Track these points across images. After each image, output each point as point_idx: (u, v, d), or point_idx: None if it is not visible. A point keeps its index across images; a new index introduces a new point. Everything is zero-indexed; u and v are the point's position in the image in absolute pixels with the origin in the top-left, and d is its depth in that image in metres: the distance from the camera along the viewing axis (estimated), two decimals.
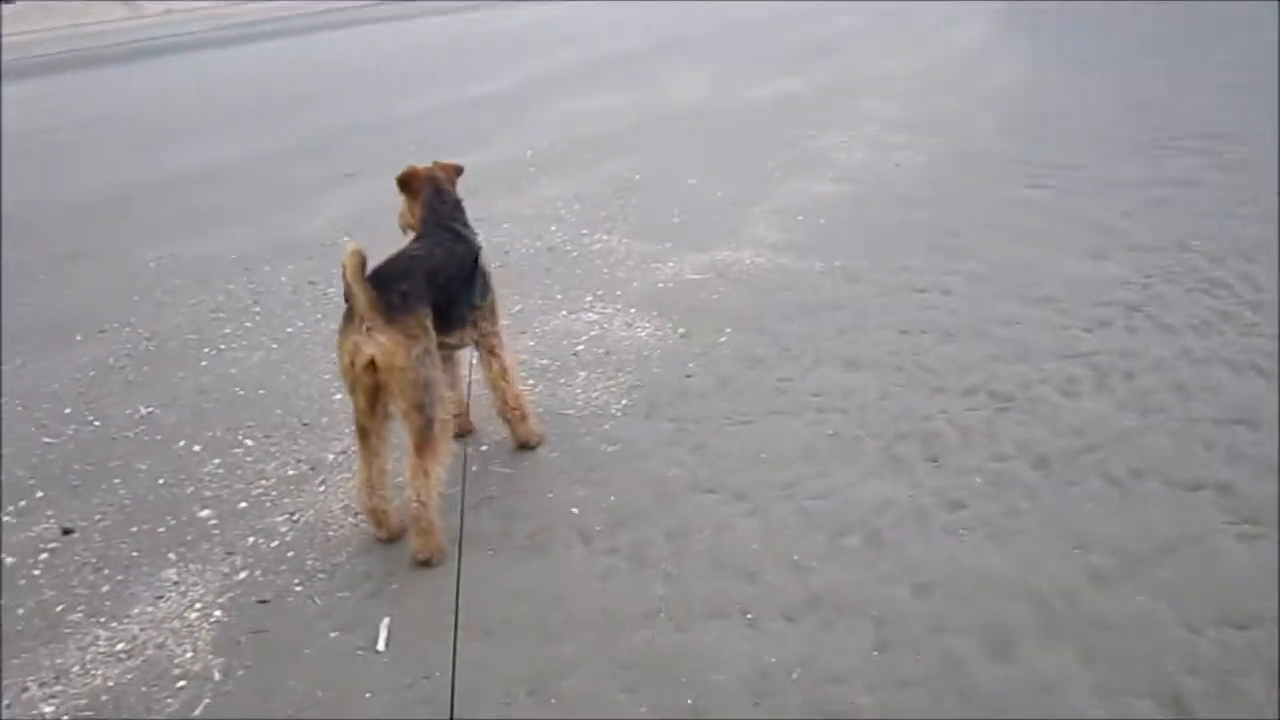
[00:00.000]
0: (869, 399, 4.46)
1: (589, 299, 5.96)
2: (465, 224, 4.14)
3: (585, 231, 7.23)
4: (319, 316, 6.13)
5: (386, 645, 3.27)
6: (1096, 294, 5.26)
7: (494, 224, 7.61)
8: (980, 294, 5.46)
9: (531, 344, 5.41)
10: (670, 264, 6.40)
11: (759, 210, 7.37)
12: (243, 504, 4.17)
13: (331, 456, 4.47)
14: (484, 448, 4.41)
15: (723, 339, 5.23)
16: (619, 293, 6.00)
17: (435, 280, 3.71)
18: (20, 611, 3.62)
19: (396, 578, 3.60)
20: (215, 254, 7.63)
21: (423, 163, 4.18)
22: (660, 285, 6.06)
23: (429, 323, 3.59)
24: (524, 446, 4.33)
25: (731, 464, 4.07)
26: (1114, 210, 6.46)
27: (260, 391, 5.18)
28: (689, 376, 4.86)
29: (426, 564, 3.63)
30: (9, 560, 3.93)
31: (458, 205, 4.18)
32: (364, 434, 3.67)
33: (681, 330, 5.39)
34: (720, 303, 5.71)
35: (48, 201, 10.05)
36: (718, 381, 4.77)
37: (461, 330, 4.01)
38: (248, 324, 6.16)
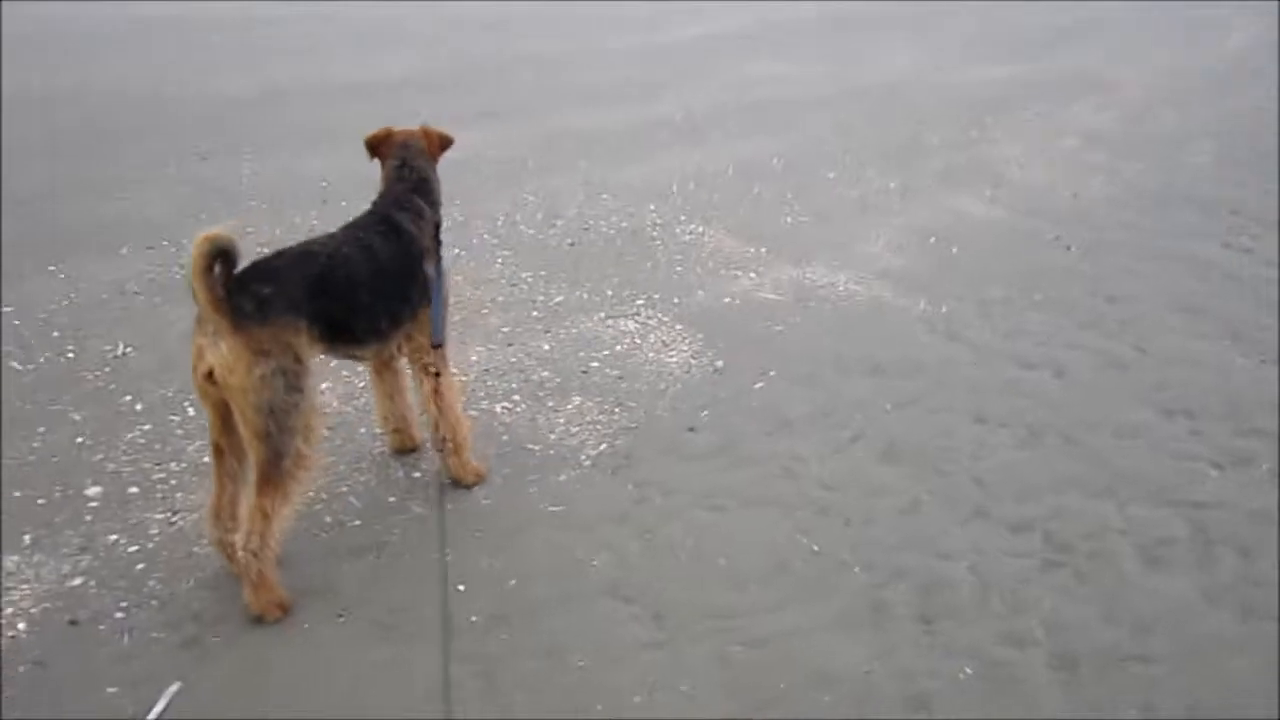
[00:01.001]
0: (886, 508, 3.50)
1: (640, 302, 5.15)
2: (420, 211, 3.43)
3: (683, 218, 6.39)
4: None
5: None
6: (1250, 415, 4.04)
7: (593, 194, 6.87)
8: (1100, 385, 4.32)
9: (546, 349, 4.67)
10: (751, 275, 5.49)
11: (888, 223, 6.31)
12: (134, 488, 3.67)
13: None
14: (416, 474, 3.73)
15: (760, 384, 4.34)
16: (676, 300, 5.16)
17: (327, 285, 3.04)
18: None
19: (225, 627, 2.99)
20: (305, 176, 7.24)
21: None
22: (726, 300, 5.18)
23: (297, 337, 2.92)
24: (456, 483, 3.63)
25: (672, 566, 3.24)
26: None
27: None
28: (692, 430, 4.01)
29: (260, 620, 3.01)
30: None
31: (420, 185, 3.48)
32: (218, 452, 3.07)
33: (719, 364, 4.53)
34: (780, 336, 4.79)
35: (200, 94, 10.01)
36: (721, 442, 3.91)
37: (381, 343, 3.34)
38: None
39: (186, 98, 9.87)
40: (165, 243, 5.99)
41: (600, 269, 5.59)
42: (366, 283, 3.16)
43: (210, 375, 2.84)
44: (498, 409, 4.17)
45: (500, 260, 5.69)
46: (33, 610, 3.08)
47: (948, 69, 11.14)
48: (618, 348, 4.68)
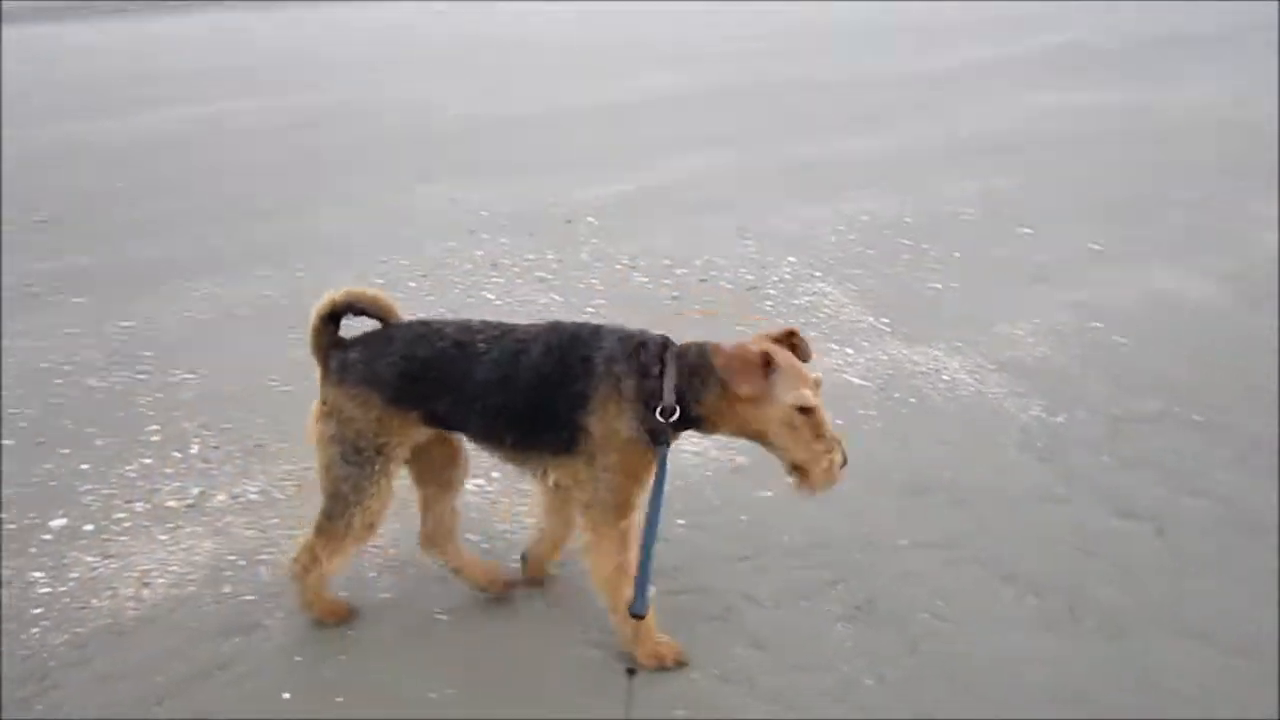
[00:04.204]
0: (811, 687, 2.79)
1: None
2: (646, 371, 2.62)
3: (816, 274, 5.70)
4: (447, 309, 5.41)
5: None
6: None
7: (739, 239, 6.32)
8: (1212, 555, 3.29)
9: None
10: (849, 351, 4.77)
11: (1056, 297, 5.28)
12: (91, 525, 3.68)
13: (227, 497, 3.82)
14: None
15: (767, 494, 3.69)
16: None
17: (429, 372, 2.73)
18: None
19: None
20: (474, 205, 7.22)
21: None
22: None
23: (367, 411, 2.74)
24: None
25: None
26: None
27: (289, 387, 4.64)
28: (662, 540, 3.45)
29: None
30: None
31: (684, 363, 2.64)
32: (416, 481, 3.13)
33: (741, 460, 3.92)
34: None
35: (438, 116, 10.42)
36: (677, 562, 3.33)
37: (505, 454, 2.85)
38: (398, 294, 5.62)
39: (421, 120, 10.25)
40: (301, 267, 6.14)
41: (685, 329, 5.04)
42: (481, 387, 2.70)
43: None
44: (472, 485, 3.82)
45: (590, 310, 5.32)
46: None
47: (1267, 101, 9.37)
48: None
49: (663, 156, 8.29)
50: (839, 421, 4.11)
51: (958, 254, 5.91)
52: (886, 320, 5.06)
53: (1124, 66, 11.57)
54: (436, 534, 3.11)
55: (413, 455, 2.93)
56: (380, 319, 2.84)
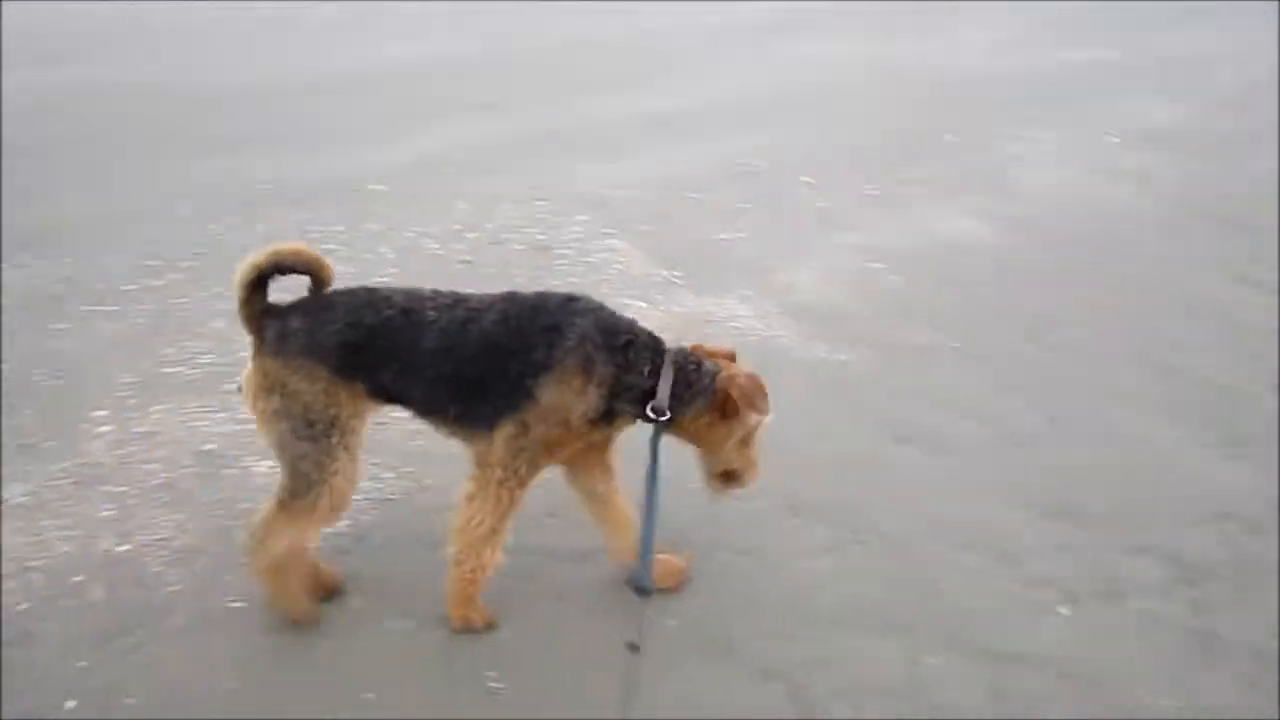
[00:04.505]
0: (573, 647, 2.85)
1: None
2: (630, 365, 2.62)
3: (606, 231, 5.74)
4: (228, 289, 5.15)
5: None
6: (1156, 525, 3.20)
7: (529, 200, 6.29)
8: (978, 468, 3.55)
9: None
10: (642, 305, 4.84)
11: (838, 241, 5.54)
12: None
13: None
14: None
15: None
16: None
17: (375, 341, 2.61)
18: None
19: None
20: (253, 178, 6.88)
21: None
22: None
23: (313, 384, 2.59)
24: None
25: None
26: None
27: (59, 380, 4.33)
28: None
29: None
30: None
31: (678, 365, 2.69)
32: None
33: None
34: None
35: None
36: None
37: (448, 427, 2.78)
38: (174, 276, 5.31)
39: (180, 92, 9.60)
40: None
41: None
42: (429, 356, 2.62)
43: None
44: (263, 467, 3.68)
45: (382, 278, 5.20)
46: None
47: (1025, 49, 10.06)
48: None
49: (444, 122, 8.12)
50: None
51: (745, 205, 6.08)
52: (679, 273, 5.17)
53: (873, 19, 12.11)
54: None
55: None
56: (310, 274, 2.67)
